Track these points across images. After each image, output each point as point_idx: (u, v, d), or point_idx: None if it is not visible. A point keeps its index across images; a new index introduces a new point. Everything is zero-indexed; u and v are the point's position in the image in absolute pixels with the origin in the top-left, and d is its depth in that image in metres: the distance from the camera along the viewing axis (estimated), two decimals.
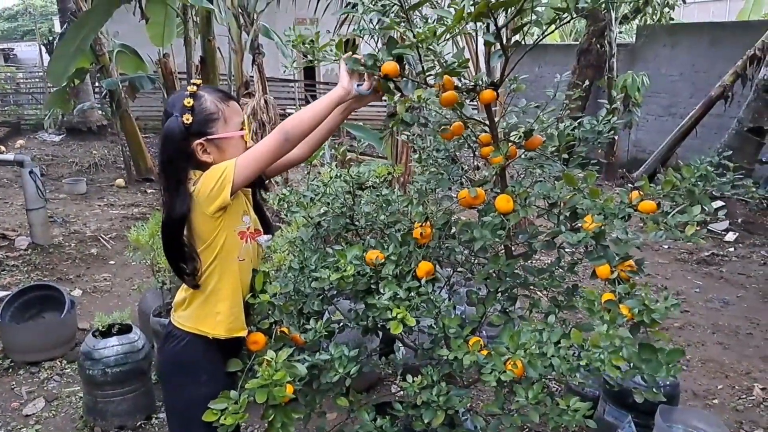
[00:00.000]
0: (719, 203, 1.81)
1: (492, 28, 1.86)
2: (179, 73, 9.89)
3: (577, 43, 11.61)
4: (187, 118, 1.86)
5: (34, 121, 15.36)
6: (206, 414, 1.76)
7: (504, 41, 1.93)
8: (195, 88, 1.92)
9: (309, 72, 17.37)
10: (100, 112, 13.05)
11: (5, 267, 5.90)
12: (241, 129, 1.98)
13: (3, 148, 12.16)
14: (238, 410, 1.77)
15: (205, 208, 1.87)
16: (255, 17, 6.59)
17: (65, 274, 5.86)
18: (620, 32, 11.88)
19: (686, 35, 10.33)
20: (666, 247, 6.82)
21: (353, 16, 6.67)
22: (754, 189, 1.96)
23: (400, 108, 2.02)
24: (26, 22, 29.54)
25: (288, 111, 14.48)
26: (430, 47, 1.88)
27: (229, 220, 1.93)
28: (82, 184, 9.54)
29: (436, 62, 1.95)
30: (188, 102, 1.87)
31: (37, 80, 17.18)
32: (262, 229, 2.07)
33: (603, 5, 1.82)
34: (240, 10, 6.53)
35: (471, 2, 1.77)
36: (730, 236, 7.11)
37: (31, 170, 6.18)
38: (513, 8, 1.83)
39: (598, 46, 10.41)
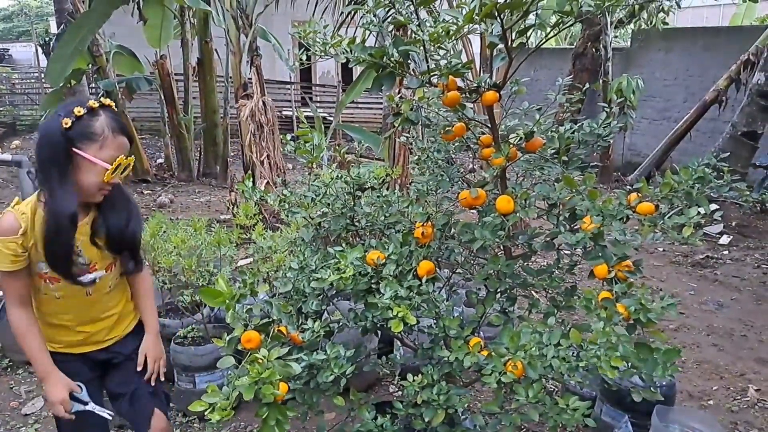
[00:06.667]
0: (714, 206, 1.83)
1: (498, 29, 1.89)
2: (176, 74, 9.91)
3: (572, 47, 11.68)
4: (66, 122, 1.88)
5: (30, 121, 15.35)
6: (193, 404, 1.76)
7: (508, 43, 1.96)
8: (98, 104, 1.94)
9: (305, 74, 17.40)
10: None
11: None
12: (110, 164, 1.93)
13: None
14: (227, 407, 1.76)
15: None
16: (253, 19, 6.61)
17: None
18: (615, 36, 11.95)
19: (680, 40, 10.40)
20: (661, 249, 6.85)
21: (351, 18, 6.70)
22: (748, 193, 1.98)
23: (404, 107, 2.04)
24: (22, 22, 29.44)
25: (284, 113, 14.52)
26: (442, 46, 1.91)
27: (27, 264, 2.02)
28: None
29: (441, 62, 1.98)
30: (79, 111, 1.90)
31: (32, 81, 17.14)
32: (59, 278, 2.07)
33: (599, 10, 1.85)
34: (238, 12, 6.55)
35: (479, 3, 1.80)
36: (725, 239, 7.16)
37: (29, 170, 6.16)
38: (518, 11, 1.86)
39: (594, 50, 10.47)
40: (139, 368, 2.28)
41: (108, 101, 1.99)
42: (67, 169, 1.91)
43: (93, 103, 1.93)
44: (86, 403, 2.14)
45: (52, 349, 2.14)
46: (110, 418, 2.20)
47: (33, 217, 1.96)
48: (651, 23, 10.75)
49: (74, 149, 1.90)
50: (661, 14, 10.47)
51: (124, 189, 2.14)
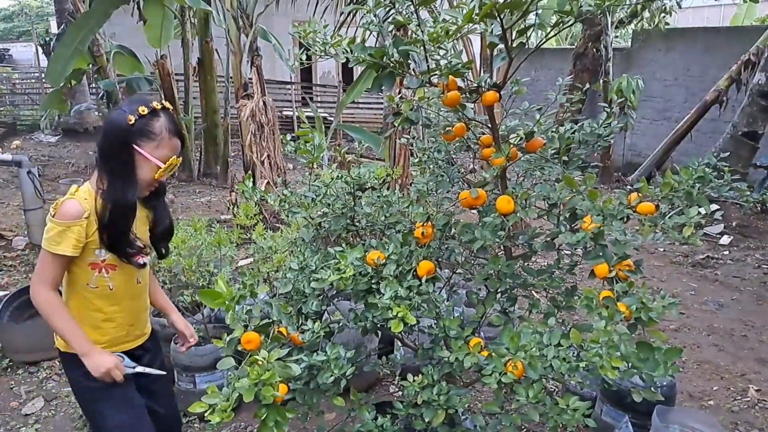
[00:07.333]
0: (714, 206, 1.83)
1: (498, 29, 1.89)
2: (176, 74, 9.91)
3: (572, 47, 11.68)
4: (130, 119, 1.97)
5: (30, 121, 15.37)
6: (193, 405, 1.77)
7: (508, 43, 1.95)
8: (160, 106, 2.04)
9: (306, 74, 17.41)
10: (97, 113, 13.06)
11: (3, 267, 5.89)
12: (163, 163, 2.05)
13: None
14: (227, 408, 1.76)
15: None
16: (254, 19, 6.61)
17: None
18: (616, 37, 11.95)
19: (681, 40, 10.39)
20: (661, 250, 6.85)
21: (352, 18, 6.70)
22: (748, 193, 1.98)
23: (404, 106, 2.04)
24: (22, 22, 29.45)
25: (285, 113, 14.52)
26: (442, 46, 1.91)
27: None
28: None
29: (441, 62, 1.98)
30: (143, 110, 1.99)
31: (33, 81, 17.15)
32: (116, 265, 2.13)
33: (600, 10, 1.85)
34: (239, 12, 6.55)
35: (478, 3, 1.79)
36: (725, 239, 7.15)
37: (29, 170, 6.17)
38: (518, 11, 1.86)
39: (594, 50, 10.47)
40: (192, 341, 2.44)
41: (167, 104, 2.09)
42: (129, 161, 2.01)
43: (156, 104, 2.03)
44: (134, 367, 2.16)
45: (60, 348, 2.15)
46: (164, 373, 2.26)
47: (94, 203, 2.03)
48: (654, 23, 10.75)
49: (134, 145, 1.99)
50: (664, 14, 10.46)
51: (163, 186, 2.24)
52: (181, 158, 2.12)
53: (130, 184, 2.03)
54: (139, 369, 2.16)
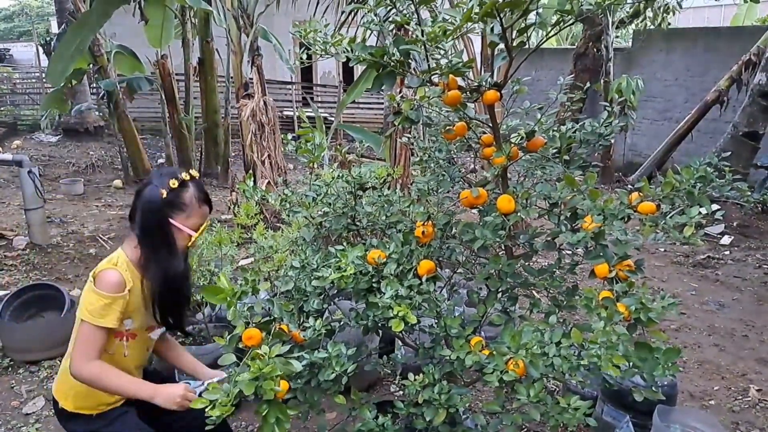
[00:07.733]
0: (715, 206, 1.84)
1: (498, 28, 1.89)
2: (177, 74, 9.90)
3: (573, 47, 11.68)
4: (163, 193, 2.04)
5: (31, 121, 15.36)
6: (194, 402, 1.78)
7: (509, 42, 1.95)
8: (189, 176, 2.11)
9: (306, 74, 17.40)
10: (97, 113, 13.06)
11: (3, 266, 5.90)
12: (195, 231, 2.14)
13: (0, 149, 12.14)
14: (227, 403, 1.76)
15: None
16: (254, 19, 6.61)
17: (64, 274, 5.86)
18: (616, 37, 11.95)
19: (681, 40, 10.39)
20: (662, 250, 6.85)
21: (352, 18, 6.70)
22: (749, 193, 1.98)
23: (405, 106, 2.04)
24: (23, 22, 29.44)
25: (285, 112, 14.53)
26: (440, 46, 1.91)
27: None
28: (79, 184, 9.53)
29: (442, 61, 1.98)
30: (173, 183, 2.06)
31: (33, 81, 17.14)
32: (137, 334, 2.18)
33: (600, 9, 1.85)
34: (240, 12, 6.55)
35: (478, 2, 1.79)
36: (726, 240, 7.15)
37: (30, 170, 6.17)
38: (518, 10, 1.86)
39: (595, 50, 10.48)
40: None
41: (195, 173, 2.17)
42: (169, 233, 2.08)
43: (185, 175, 2.10)
44: (202, 383, 2.20)
45: (101, 411, 2.15)
46: (225, 375, 2.27)
47: (132, 276, 2.07)
48: (656, 23, 10.76)
49: (168, 218, 2.07)
50: (666, 14, 10.47)
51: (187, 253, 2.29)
52: (209, 222, 2.21)
53: (174, 255, 2.10)
54: (208, 382, 2.16)
